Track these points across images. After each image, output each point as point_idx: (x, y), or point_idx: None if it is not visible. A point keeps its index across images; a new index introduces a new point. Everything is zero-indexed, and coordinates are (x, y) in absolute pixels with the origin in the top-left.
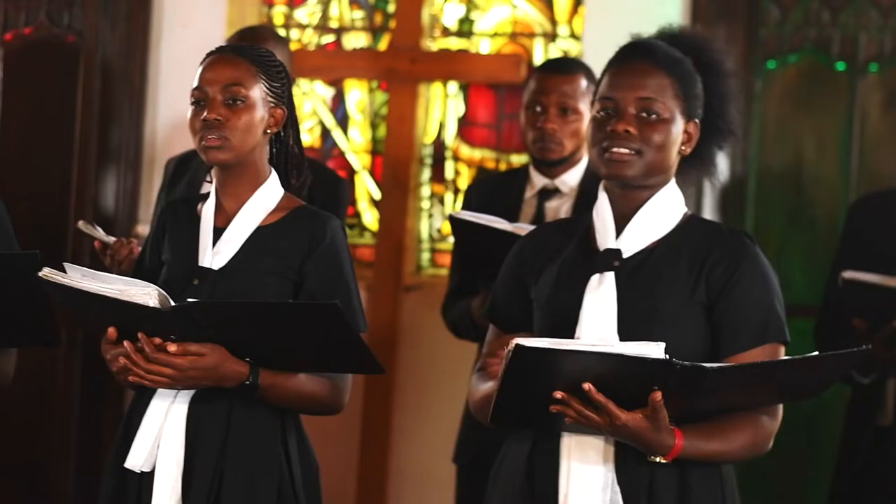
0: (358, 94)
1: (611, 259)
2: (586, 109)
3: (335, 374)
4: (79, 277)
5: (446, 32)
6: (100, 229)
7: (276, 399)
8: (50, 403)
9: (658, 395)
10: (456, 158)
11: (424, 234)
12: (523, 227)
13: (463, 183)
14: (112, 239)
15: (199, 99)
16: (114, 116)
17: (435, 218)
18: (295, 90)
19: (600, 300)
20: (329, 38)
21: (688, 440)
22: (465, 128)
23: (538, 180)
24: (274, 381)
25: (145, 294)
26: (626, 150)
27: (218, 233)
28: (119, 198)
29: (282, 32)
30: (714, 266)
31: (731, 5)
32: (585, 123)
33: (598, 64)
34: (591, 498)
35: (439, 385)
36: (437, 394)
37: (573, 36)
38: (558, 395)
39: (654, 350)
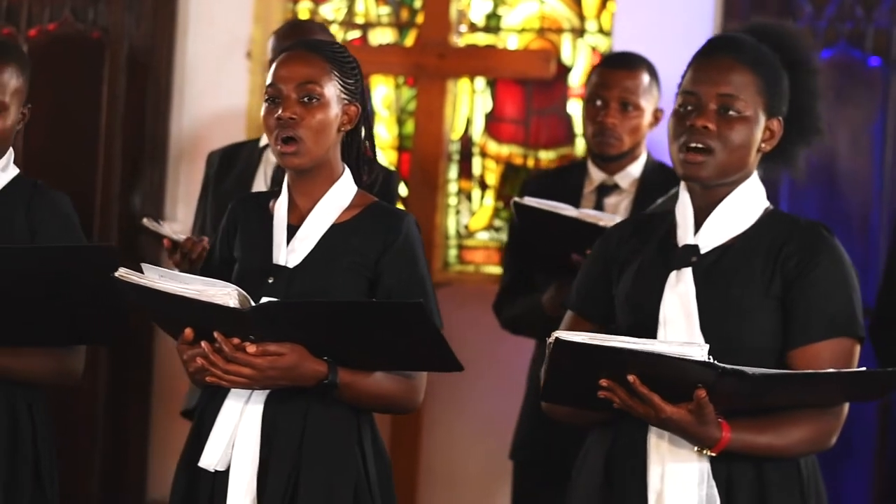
0: (384, 90)
1: (689, 255)
2: (648, 105)
3: (411, 373)
4: (156, 278)
5: (473, 28)
6: (166, 226)
7: (353, 398)
8: (75, 403)
9: (703, 392)
10: (483, 155)
11: (452, 230)
12: (589, 214)
13: (491, 179)
14: (182, 236)
15: (274, 96)
16: (139, 113)
17: (462, 214)
18: None
19: (679, 297)
20: (355, 34)
21: (736, 433)
22: (493, 124)
23: (597, 175)
24: (352, 379)
25: (225, 294)
26: (701, 146)
27: (292, 230)
28: (145, 195)
29: None
30: (788, 258)
31: (764, 1)
32: (646, 119)
33: None
34: (687, 494)
35: (468, 382)
36: (467, 391)
37: (601, 31)
38: (604, 382)
39: (697, 351)
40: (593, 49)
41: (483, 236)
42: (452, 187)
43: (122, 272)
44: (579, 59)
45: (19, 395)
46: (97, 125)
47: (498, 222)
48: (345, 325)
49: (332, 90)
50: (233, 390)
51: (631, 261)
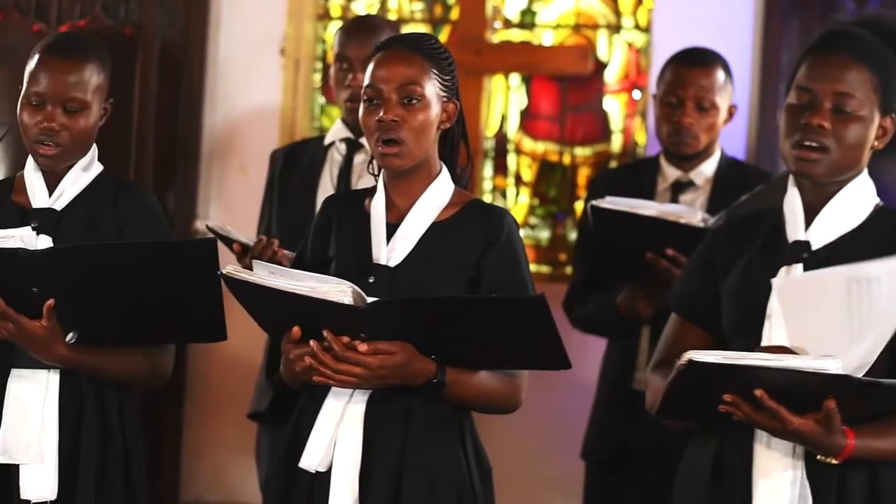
0: None
1: (799, 251)
2: (723, 103)
3: (514, 371)
4: (266, 275)
5: (508, 24)
6: (233, 229)
7: (458, 397)
8: None
9: (832, 403)
10: (518, 152)
11: None
12: (670, 211)
13: (526, 176)
14: (250, 240)
15: (373, 97)
16: (172, 110)
17: None
18: None
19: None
20: None
21: (860, 440)
22: (528, 120)
23: (670, 172)
24: (458, 378)
25: (339, 291)
26: (816, 145)
27: (390, 229)
28: (177, 193)
29: (339, 24)
30: None
31: None
32: (722, 117)
33: (668, 55)
34: (779, 493)
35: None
36: (535, 389)
37: (638, 27)
38: (728, 398)
39: (832, 365)
40: (629, 45)
41: None
42: (487, 185)
43: (230, 269)
44: (615, 56)
45: (109, 395)
46: (129, 123)
47: (533, 220)
48: (461, 322)
49: (431, 89)
50: (333, 389)
51: (736, 259)
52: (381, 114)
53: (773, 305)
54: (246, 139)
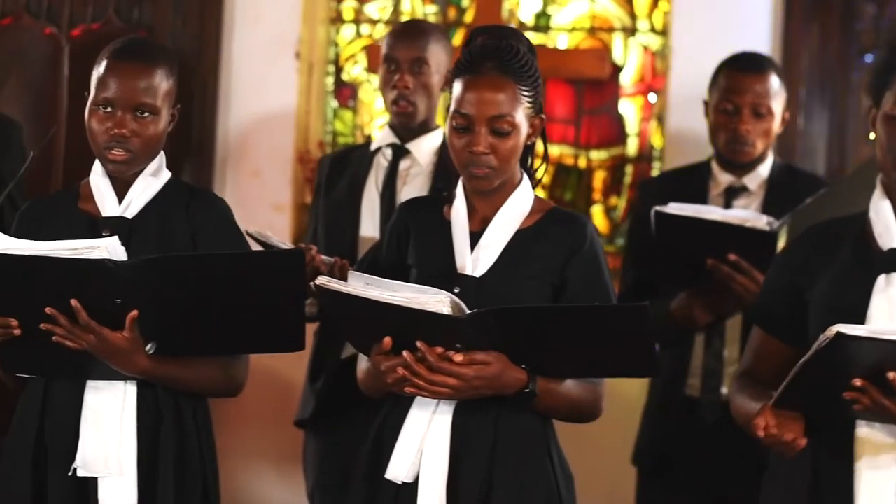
0: None
1: None
2: (778, 108)
3: (596, 380)
4: (362, 286)
5: (522, 27)
6: (272, 236)
7: (546, 407)
8: None
9: None
10: (533, 155)
11: None
12: (735, 217)
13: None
14: (288, 246)
15: (465, 126)
16: (185, 114)
17: None
18: (367, 86)
19: (889, 301)
20: None
21: None
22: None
23: (723, 178)
24: (547, 387)
25: (438, 302)
26: None
27: (473, 237)
28: None
29: (351, 28)
30: None
31: (826, 0)
32: (777, 122)
33: (687, 60)
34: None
35: None
36: None
37: (653, 30)
38: (858, 382)
39: None
40: (645, 48)
41: None
42: None
43: (323, 280)
44: (630, 59)
45: (185, 405)
46: None
47: None
48: (560, 331)
49: (521, 114)
50: (418, 399)
51: (822, 269)
52: (472, 145)
53: (874, 313)
54: (260, 143)
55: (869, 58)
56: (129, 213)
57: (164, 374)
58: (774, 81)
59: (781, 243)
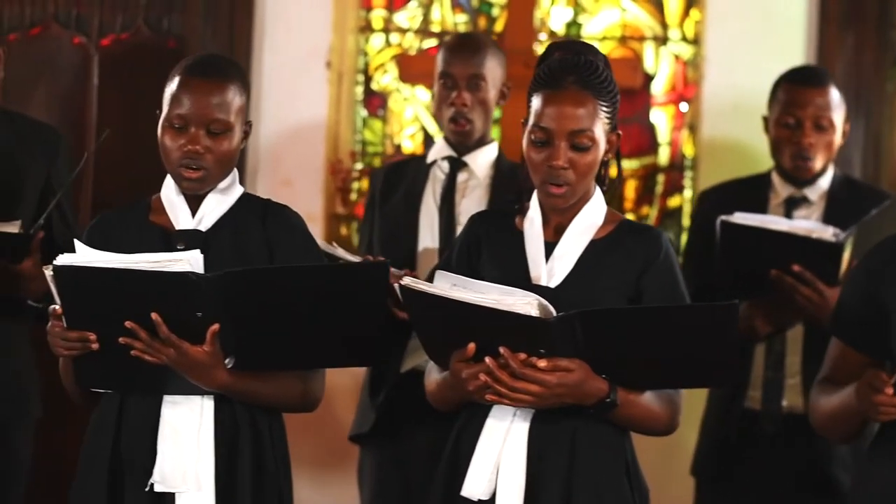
0: None
1: None
2: (839, 120)
3: (673, 392)
4: (448, 286)
5: (553, 36)
6: (337, 247)
7: (625, 418)
8: None
9: None
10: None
11: None
12: (800, 228)
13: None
14: (355, 258)
15: (544, 141)
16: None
17: None
18: (396, 95)
19: None
20: (430, 43)
21: None
22: None
23: (783, 189)
24: (627, 398)
25: (526, 304)
26: None
27: (547, 248)
28: None
29: (381, 37)
30: None
31: (861, 8)
32: (838, 135)
33: (721, 69)
34: None
35: None
36: None
37: (685, 39)
38: None
39: None
40: (676, 57)
41: None
42: None
43: (409, 281)
44: (662, 68)
45: (262, 420)
46: None
47: None
48: (647, 335)
49: (600, 130)
50: (494, 409)
51: None
52: (551, 159)
53: None
54: (291, 153)
55: None
56: (203, 227)
57: (244, 389)
58: (835, 94)
59: (846, 255)
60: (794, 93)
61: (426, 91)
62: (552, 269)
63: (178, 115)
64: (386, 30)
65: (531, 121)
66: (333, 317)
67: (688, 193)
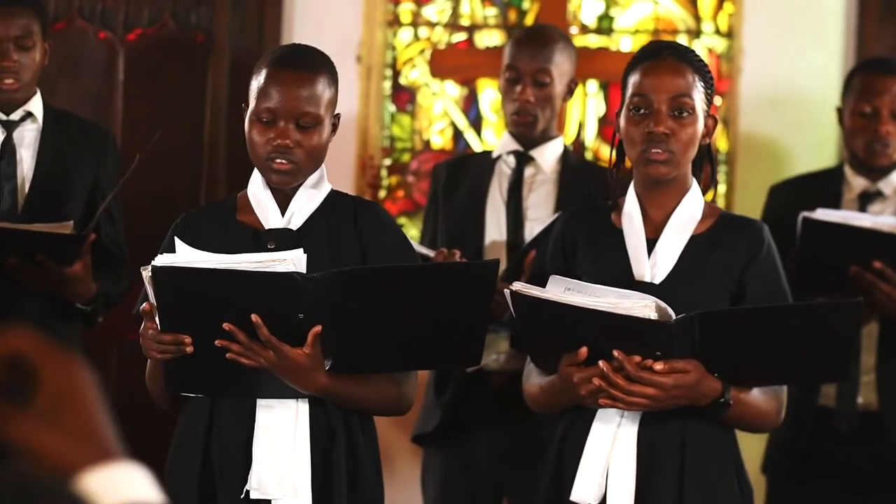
0: (492, 94)
1: None
2: None
3: (779, 388)
4: (562, 291)
5: (584, 30)
6: (414, 243)
7: (736, 417)
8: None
9: None
10: (596, 159)
11: None
12: (884, 224)
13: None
14: (430, 251)
15: (642, 107)
16: (244, 122)
17: None
18: (425, 89)
19: None
20: (460, 37)
21: None
22: (606, 127)
23: (857, 182)
24: (738, 397)
25: (644, 307)
26: None
27: (649, 244)
28: None
29: (409, 31)
30: None
31: None
32: None
33: (758, 62)
34: None
35: None
36: None
37: (718, 33)
38: None
39: None
40: (710, 51)
41: None
42: None
43: (519, 286)
44: None
45: (355, 423)
46: (200, 134)
47: None
48: (764, 334)
49: (699, 103)
50: (600, 412)
51: None
52: (652, 125)
53: None
54: None
55: None
56: (293, 226)
57: (342, 392)
58: None
59: None
60: (870, 81)
61: (455, 86)
62: (655, 266)
63: (266, 109)
64: (414, 24)
65: (629, 94)
66: (438, 316)
67: (722, 188)
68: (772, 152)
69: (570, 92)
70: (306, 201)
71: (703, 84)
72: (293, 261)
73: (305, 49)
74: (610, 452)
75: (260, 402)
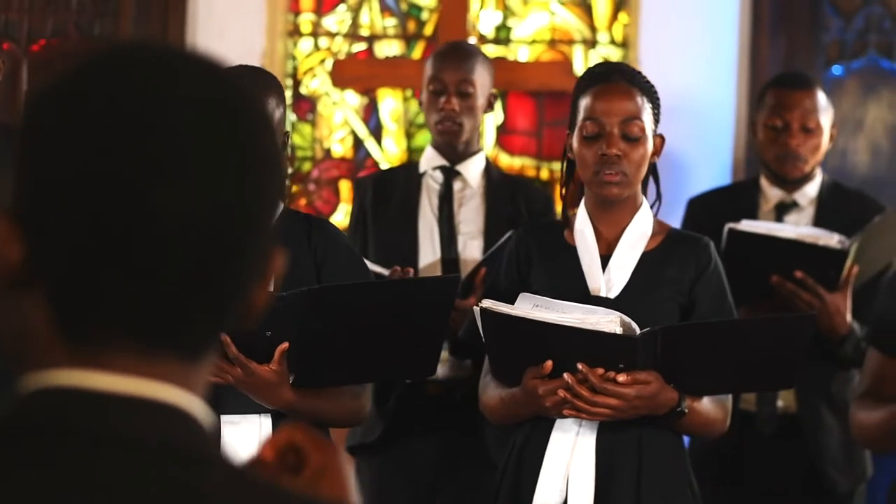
0: (392, 103)
1: None
2: (826, 123)
3: (725, 397)
4: (530, 307)
5: (483, 40)
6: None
7: (689, 425)
8: None
9: None
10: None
11: None
12: (806, 235)
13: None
14: (384, 270)
15: (596, 134)
16: None
17: None
18: (325, 99)
19: None
20: (360, 47)
21: None
22: (504, 136)
23: (773, 194)
24: (692, 405)
25: (609, 321)
26: None
27: (602, 260)
28: None
29: (309, 41)
30: None
31: (792, 11)
32: (825, 138)
33: (654, 73)
34: None
35: None
36: None
37: (613, 43)
38: None
39: None
40: (605, 60)
41: None
42: None
43: (489, 303)
44: None
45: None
46: None
47: None
48: (723, 347)
49: (648, 124)
50: (559, 422)
51: None
52: (605, 148)
53: None
54: None
55: (836, 70)
56: None
57: (306, 406)
58: (822, 98)
59: (849, 261)
60: (781, 96)
61: (355, 95)
62: (609, 281)
63: None
64: (314, 34)
65: (581, 117)
66: (400, 330)
67: None
68: (667, 162)
69: (489, 106)
70: None
71: (651, 105)
72: None
73: (252, 70)
74: (570, 460)
75: (224, 419)
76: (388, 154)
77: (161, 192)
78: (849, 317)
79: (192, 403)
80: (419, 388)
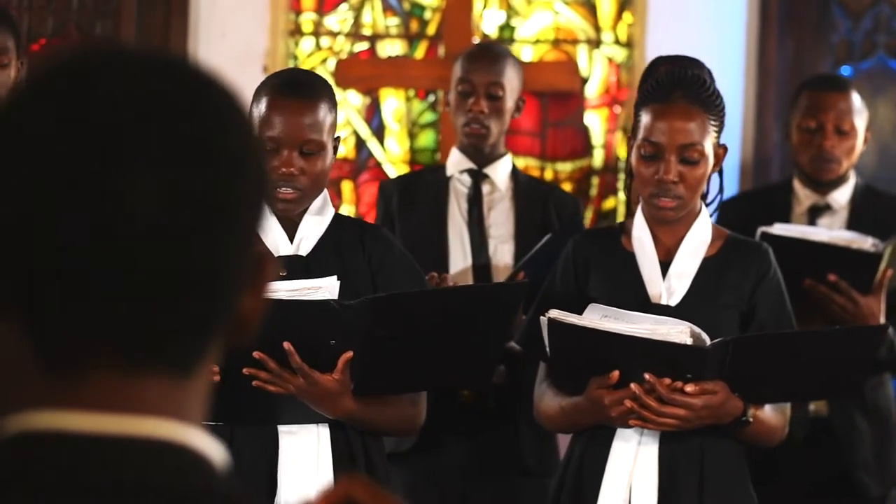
0: (395, 103)
1: None
2: (861, 125)
3: (784, 405)
4: (598, 318)
5: (486, 39)
6: None
7: (753, 434)
8: None
9: None
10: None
11: None
12: (840, 238)
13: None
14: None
15: (653, 155)
16: None
17: None
18: None
19: None
20: (362, 46)
21: None
22: (509, 136)
23: (806, 196)
24: (755, 414)
25: (679, 332)
26: None
27: (662, 267)
28: None
29: (311, 40)
30: None
31: (800, 10)
32: (860, 141)
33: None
34: None
35: None
36: None
37: (618, 42)
38: None
39: None
40: (609, 60)
41: None
42: None
43: (556, 314)
44: (595, 71)
45: (372, 445)
46: None
47: None
48: (792, 357)
49: (709, 144)
50: (620, 431)
51: None
52: (661, 173)
53: None
54: None
55: (845, 70)
56: (303, 252)
57: (366, 415)
58: (856, 99)
59: (883, 265)
60: (816, 97)
61: (357, 95)
62: (670, 288)
63: (269, 138)
64: (316, 33)
65: (640, 135)
66: (463, 338)
67: (622, 197)
68: None
69: (518, 109)
70: (314, 226)
71: (713, 120)
72: (328, 288)
73: (305, 74)
74: (632, 470)
75: (282, 429)
76: (390, 154)
77: (120, 197)
78: (882, 320)
79: (185, 434)
80: (452, 395)
